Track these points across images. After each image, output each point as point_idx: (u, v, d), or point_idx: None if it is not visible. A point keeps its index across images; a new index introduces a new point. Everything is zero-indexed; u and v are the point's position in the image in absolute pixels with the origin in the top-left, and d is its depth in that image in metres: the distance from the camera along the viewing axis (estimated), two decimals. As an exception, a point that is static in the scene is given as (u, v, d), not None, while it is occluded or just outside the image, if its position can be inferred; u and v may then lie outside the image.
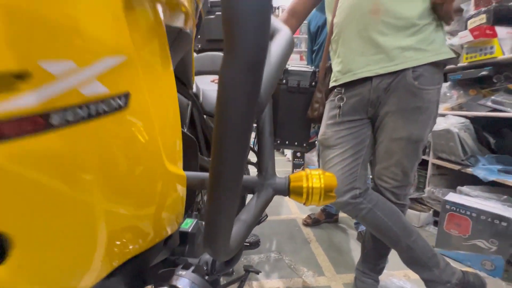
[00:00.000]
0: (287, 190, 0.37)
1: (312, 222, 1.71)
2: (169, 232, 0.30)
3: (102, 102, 0.19)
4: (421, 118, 0.78)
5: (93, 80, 0.18)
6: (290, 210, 1.97)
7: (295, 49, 5.23)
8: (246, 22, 0.16)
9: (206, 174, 0.36)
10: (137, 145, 0.23)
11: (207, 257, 0.38)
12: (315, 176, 0.35)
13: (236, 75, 0.17)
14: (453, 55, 0.78)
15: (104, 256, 0.23)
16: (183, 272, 0.29)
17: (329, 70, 0.94)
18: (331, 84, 0.91)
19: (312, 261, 1.33)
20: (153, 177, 0.26)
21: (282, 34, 0.30)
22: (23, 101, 0.15)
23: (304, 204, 0.37)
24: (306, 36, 2.05)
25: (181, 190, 0.31)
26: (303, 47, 4.98)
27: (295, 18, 1.02)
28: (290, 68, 1.12)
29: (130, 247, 0.25)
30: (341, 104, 0.86)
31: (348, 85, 0.85)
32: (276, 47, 0.28)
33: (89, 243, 0.21)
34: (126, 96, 0.21)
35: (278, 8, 4.58)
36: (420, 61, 0.75)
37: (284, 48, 0.29)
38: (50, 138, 0.17)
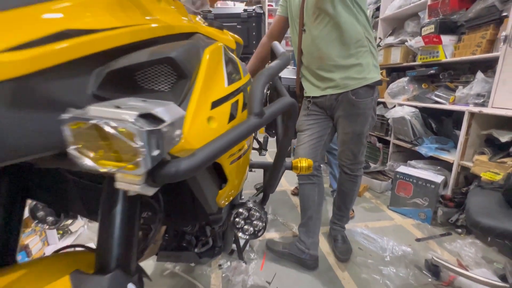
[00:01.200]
0: (291, 167, 0.76)
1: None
2: (239, 190, 0.68)
3: (247, 147, 0.56)
4: (359, 119, 1.17)
5: (245, 146, 0.55)
6: (281, 183, 2.41)
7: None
8: None
9: (256, 161, 0.73)
10: (248, 154, 0.61)
11: (252, 200, 0.76)
12: (303, 161, 0.74)
13: (282, 151, 0.55)
14: (377, 79, 1.16)
15: (236, 191, 0.61)
16: (249, 202, 0.67)
17: (301, 87, 1.32)
18: (305, 95, 1.30)
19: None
20: (247, 164, 0.63)
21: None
22: (241, 152, 0.52)
23: (298, 173, 0.75)
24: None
25: (247, 170, 0.68)
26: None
27: (273, 40, 1.34)
28: (282, 76, 1.48)
29: (236, 193, 0.63)
30: (309, 105, 1.26)
31: (314, 96, 1.25)
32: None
33: (236, 186, 0.59)
34: (249, 146, 0.58)
35: None
36: (355, 86, 1.13)
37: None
38: (242, 159, 0.54)
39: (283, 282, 1.25)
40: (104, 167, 0.22)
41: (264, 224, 0.67)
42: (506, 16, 1.52)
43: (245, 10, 1.70)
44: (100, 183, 0.49)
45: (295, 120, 0.51)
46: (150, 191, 0.25)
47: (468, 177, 1.67)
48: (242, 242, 1.41)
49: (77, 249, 0.50)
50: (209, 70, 0.37)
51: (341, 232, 1.49)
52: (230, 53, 0.50)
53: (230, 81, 0.43)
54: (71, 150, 0.22)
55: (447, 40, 1.88)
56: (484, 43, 1.66)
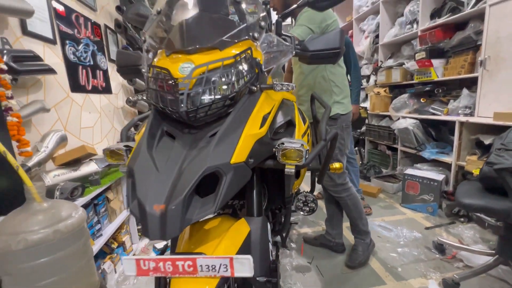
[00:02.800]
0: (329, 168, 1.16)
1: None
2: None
3: None
4: None
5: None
6: (304, 189, 2.77)
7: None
8: None
9: None
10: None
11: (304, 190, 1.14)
12: (336, 164, 1.13)
13: (329, 157, 0.95)
14: (335, 112, 1.38)
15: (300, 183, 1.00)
16: (303, 191, 1.06)
17: None
18: None
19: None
20: None
21: None
22: None
23: (334, 172, 1.14)
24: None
25: None
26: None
27: (291, 74, 1.71)
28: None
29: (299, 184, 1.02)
30: None
31: None
32: None
33: (301, 180, 0.98)
34: None
35: None
36: None
37: None
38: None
39: (320, 262, 1.60)
40: (287, 163, 0.63)
41: (316, 205, 1.06)
42: (481, 44, 1.92)
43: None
44: None
45: (336, 141, 0.89)
46: (293, 173, 0.65)
47: (464, 174, 2.01)
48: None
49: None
50: (298, 119, 0.79)
51: (361, 244, 1.57)
52: (298, 105, 0.92)
53: (303, 122, 0.85)
54: (279, 156, 0.63)
55: (437, 62, 2.28)
56: (466, 65, 2.05)
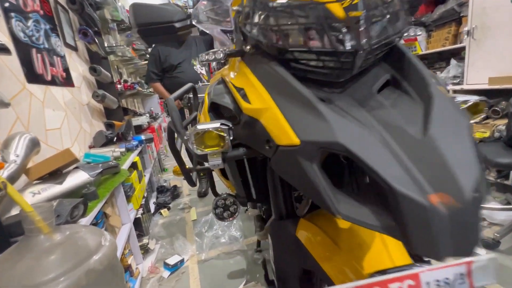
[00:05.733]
0: None
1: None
2: None
3: None
4: None
5: None
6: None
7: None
8: None
9: None
10: None
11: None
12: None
13: None
14: None
15: None
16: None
17: None
18: None
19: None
20: None
21: None
22: None
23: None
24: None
25: None
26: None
27: None
28: None
29: None
30: None
31: None
32: None
33: None
34: None
35: None
36: None
37: None
38: None
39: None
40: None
41: None
42: (464, 16, 2.02)
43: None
44: None
45: None
46: None
47: (458, 141, 2.14)
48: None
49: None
50: None
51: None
52: None
53: None
54: None
55: (420, 37, 2.37)
56: (450, 37, 2.16)
